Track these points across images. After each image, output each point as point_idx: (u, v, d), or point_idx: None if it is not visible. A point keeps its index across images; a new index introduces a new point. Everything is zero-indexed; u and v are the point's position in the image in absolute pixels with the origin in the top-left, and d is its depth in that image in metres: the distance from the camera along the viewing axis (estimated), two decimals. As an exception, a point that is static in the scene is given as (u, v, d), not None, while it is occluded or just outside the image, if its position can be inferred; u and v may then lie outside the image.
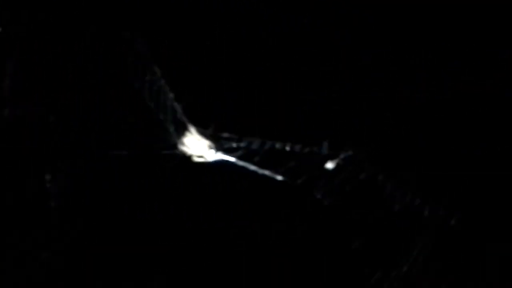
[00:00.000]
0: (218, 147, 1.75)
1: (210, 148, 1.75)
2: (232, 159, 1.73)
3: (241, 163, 1.73)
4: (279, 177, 1.71)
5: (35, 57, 1.82)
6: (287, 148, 1.73)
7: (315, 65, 1.78)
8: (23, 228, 1.76)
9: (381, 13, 1.70)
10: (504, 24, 1.64)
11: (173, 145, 1.76)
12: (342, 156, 1.71)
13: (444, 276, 1.68)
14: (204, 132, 1.76)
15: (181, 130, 1.77)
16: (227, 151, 1.74)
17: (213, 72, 1.79)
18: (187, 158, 1.76)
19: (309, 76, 1.77)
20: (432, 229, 1.68)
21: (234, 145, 1.74)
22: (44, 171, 1.79)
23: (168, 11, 1.80)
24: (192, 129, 1.77)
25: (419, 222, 1.69)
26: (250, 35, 1.77)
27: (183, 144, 1.76)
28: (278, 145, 1.73)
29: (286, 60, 1.79)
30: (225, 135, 1.75)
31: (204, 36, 1.79)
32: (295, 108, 1.78)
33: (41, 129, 1.80)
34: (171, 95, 1.77)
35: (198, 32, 1.80)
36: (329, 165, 1.71)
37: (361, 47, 1.75)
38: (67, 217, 1.77)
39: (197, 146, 1.76)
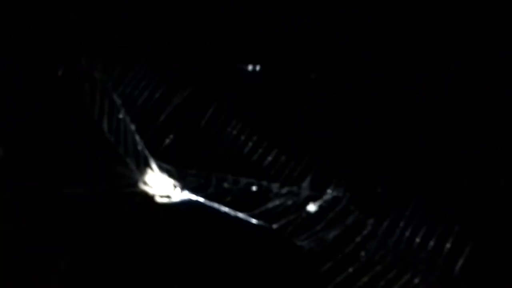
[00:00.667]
0: (185, 186, 1.57)
1: (175, 186, 1.57)
2: (200, 199, 1.57)
3: (211, 203, 1.56)
4: (254, 221, 1.55)
5: None
6: (264, 187, 1.55)
7: (300, 85, 1.63)
8: None
9: (381, 13, 1.60)
10: (504, 24, 1.57)
11: (134, 183, 1.58)
12: (325, 197, 1.55)
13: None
14: (168, 168, 1.58)
15: (143, 166, 1.58)
16: (195, 190, 1.57)
17: (180, 97, 1.61)
18: (149, 198, 1.57)
19: (291, 100, 1.61)
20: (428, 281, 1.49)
21: (203, 182, 1.56)
22: None
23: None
24: (154, 165, 1.58)
25: (416, 275, 1.50)
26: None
27: (145, 182, 1.57)
28: (253, 184, 1.56)
29: (265, 82, 1.64)
30: (192, 171, 1.57)
31: (171, 56, 1.62)
32: (273, 140, 1.59)
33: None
34: (132, 126, 1.59)
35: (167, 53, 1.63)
36: (311, 207, 1.54)
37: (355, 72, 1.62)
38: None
39: (160, 184, 1.57)
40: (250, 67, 1.61)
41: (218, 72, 1.63)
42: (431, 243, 1.52)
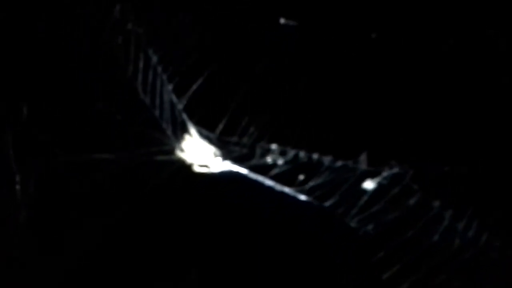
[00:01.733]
0: (226, 155, 1.43)
1: (216, 155, 1.43)
2: (243, 170, 1.43)
3: (254, 176, 1.42)
4: (303, 197, 1.41)
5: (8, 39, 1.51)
6: (315, 160, 1.40)
7: (353, 58, 1.48)
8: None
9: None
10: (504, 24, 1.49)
11: (170, 150, 1.45)
12: (385, 173, 1.40)
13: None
14: (209, 135, 1.44)
15: (180, 132, 1.44)
16: (237, 160, 1.43)
17: (225, 58, 1.47)
18: (186, 167, 1.44)
19: (344, 76, 1.48)
20: (500, 269, 1.33)
21: (246, 152, 1.43)
22: (18, 173, 1.49)
23: None
24: (194, 131, 1.43)
25: (484, 263, 1.34)
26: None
27: (182, 149, 1.43)
28: (302, 156, 1.42)
29: (314, 50, 1.49)
30: (235, 139, 1.43)
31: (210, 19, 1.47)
32: (325, 108, 1.47)
33: (15, 125, 1.52)
34: (169, 86, 1.44)
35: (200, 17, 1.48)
36: (368, 184, 1.40)
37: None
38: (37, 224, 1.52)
39: (199, 152, 1.44)
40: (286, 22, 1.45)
41: (258, 28, 1.49)
42: (504, 230, 1.37)
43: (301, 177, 1.39)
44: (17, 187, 1.52)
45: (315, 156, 1.40)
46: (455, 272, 1.39)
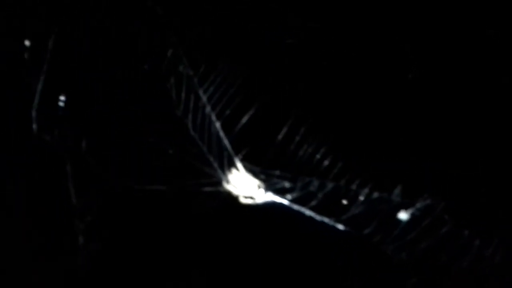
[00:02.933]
0: (269, 187, 1.47)
1: (260, 187, 1.48)
2: (285, 201, 1.47)
3: (295, 206, 1.46)
4: (341, 226, 1.44)
5: (69, 77, 1.58)
6: (352, 192, 1.44)
7: (386, 97, 1.51)
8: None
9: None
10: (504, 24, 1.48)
11: (218, 183, 1.49)
12: (418, 205, 1.43)
13: None
14: (253, 168, 1.48)
15: (227, 166, 1.49)
16: (279, 192, 1.47)
17: (268, 98, 1.51)
18: (233, 198, 1.48)
19: (383, 108, 1.49)
20: None
21: (288, 185, 1.47)
22: (73, 202, 1.55)
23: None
24: (240, 165, 1.48)
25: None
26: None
27: (228, 181, 1.48)
28: (341, 188, 1.45)
29: (351, 91, 1.53)
30: (278, 173, 1.48)
31: (258, 60, 1.52)
32: (363, 144, 1.50)
33: (72, 156, 1.57)
34: (217, 124, 1.50)
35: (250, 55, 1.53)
36: (403, 215, 1.43)
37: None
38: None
39: (244, 184, 1.48)
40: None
41: (298, 72, 1.53)
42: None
43: (344, 202, 1.43)
44: (76, 215, 1.59)
45: (353, 188, 1.44)
46: None
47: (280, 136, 1.47)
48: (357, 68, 1.50)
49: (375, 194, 1.42)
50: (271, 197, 1.46)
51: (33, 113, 1.59)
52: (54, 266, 1.59)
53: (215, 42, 1.53)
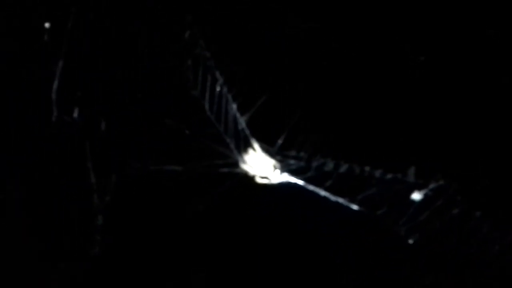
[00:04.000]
0: (285, 168, 1.48)
1: (275, 168, 1.48)
2: (300, 182, 1.48)
3: (310, 187, 1.47)
4: (355, 207, 1.45)
5: (87, 60, 1.58)
6: (366, 173, 1.45)
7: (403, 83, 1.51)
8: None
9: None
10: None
11: (234, 163, 1.50)
12: (431, 186, 1.43)
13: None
14: (269, 149, 1.49)
15: (244, 146, 1.50)
16: (294, 173, 1.48)
17: (284, 79, 1.52)
18: (249, 178, 1.49)
19: (397, 93, 1.50)
20: None
21: (304, 165, 1.47)
22: (92, 183, 1.55)
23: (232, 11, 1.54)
24: (256, 146, 1.49)
25: None
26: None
27: (245, 162, 1.49)
28: (355, 169, 1.46)
29: (370, 76, 1.53)
30: (293, 153, 1.48)
31: (275, 41, 1.52)
32: (377, 126, 1.50)
33: (92, 137, 1.57)
34: (234, 104, 1.50)
35: (268, 36, 1.53)
36: (416, 196, 1.43)
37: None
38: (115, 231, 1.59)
39: (260, 165, 1.49)
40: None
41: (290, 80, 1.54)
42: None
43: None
44: (95, 195, 1.61)
45: (367, 169, 1.44)
46: (493, 275, 1.43)
47: (296, 117, 1.48)
48: (357, 68, 1.52)
49: (389, 175, 1.43)
50: (286, 177, 1.47)
51: (53, 96, 1.60)
52: (54, 268, 1.61)
53: (215, 42, 1.55)
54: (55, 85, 1.59)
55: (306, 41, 1.51)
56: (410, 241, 1.39)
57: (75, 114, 1.59)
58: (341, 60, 1.51)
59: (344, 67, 1.51)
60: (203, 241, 1.55)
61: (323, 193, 1.45)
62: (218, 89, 1.50)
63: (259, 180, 1.48)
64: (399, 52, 1.50)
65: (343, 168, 1.45)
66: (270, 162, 1.48)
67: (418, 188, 1.43)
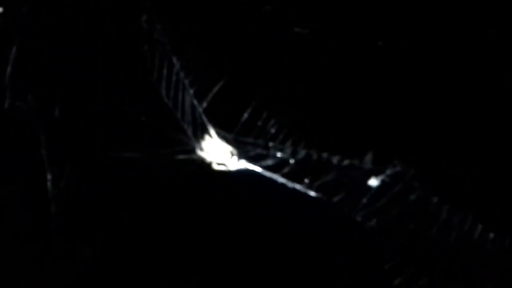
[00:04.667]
0: (242, 154, 1.47)
1: (233, 155, 1.48)
2: (257, 168, 1.47)
3: (268, 174, 1.46)
4: (313, 193, 1.44)
5: (41, 45, 1.56)
6: (324, 159, 1.44)
7: (361, 69, 1.52)
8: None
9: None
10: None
11: (191, 150, 1.49)
12: (388, 172, 1.43)
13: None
14: (226, 136, 1.48)
15: (201, 133, 1.48)
16: (252, 159, 1.47)
17: (241, 65, 1.52)
18: (206, 165, 1.48)
19: (352, 76, 1.51)
20: (497, 265, 1.38)
21: (261, 152, 1.47)
22: (47, 171, 1.53)
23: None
24: (213, 132, 1.48)
25: (480, 254, 1.38)
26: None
27: (202, 149, 1.48)
28: (313, 155, 1.45)
29: (325, 56, 1.53)
30: (251, 140, 1.48)
31: (236, 23, 1.52)
32: (334, 112, 1.50)
33: (46, 125, 1.54)
34: (191, 90, 1.49)
35: (229, 18, 1.52)
36: (373, 182, 1.44)
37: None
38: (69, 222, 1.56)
39: (218, 151, 1.48)
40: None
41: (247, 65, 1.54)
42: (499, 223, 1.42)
43: (306, 180, 1.44)
44: (48, 183, 1.58)
45: (324, 155, 1.44)
46: (452, 262, 1.44)
47: (253, 104, 1.47)
48: (357, 68, 1.52)
49: (346, 161, 1.43)
50: (244, 164, 1.47)
51: (6, 81, 1.57)
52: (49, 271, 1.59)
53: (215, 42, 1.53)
54: (8, 70, 1.56)
55: (262, 24, 1.51)
56: (368, 226, 1.39)
57: (29, 100, 1.56)
58: (298, 43, 1.51)
59: (300, 52, 1.51)
60: (161, 229, 1.54)
61: (280, 180, 1.44)
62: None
63: (216, 167, 1.47)
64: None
65: (301, 154, 1.45)
66: (227, 148, 1.47)
67: (375, 174, 1.43)
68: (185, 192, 1.50)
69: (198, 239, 1.52)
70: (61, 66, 1.55)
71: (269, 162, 1.46)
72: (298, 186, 1.44)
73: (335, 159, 1.43)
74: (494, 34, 1.48)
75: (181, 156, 1.48)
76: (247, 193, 1.48)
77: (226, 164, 1.47)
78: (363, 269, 1.44)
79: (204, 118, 1.48)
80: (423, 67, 1.51)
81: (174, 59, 1.48)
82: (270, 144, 1.46)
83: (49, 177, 1.54)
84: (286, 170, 1.45)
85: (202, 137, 1.48)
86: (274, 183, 1.45)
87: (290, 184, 1.44)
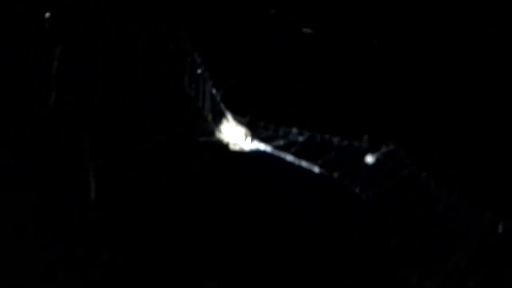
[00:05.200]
0: (255, 136, 1.62)
1: (247, 136, 1.62)
2: (268, 148, 1.62)
3: (277, 153, 1.61)
4: (316, 169, 1.58)
5: (80, 45, 1.71)
6: (326, 140, 1.59)
7: (359, 58, 1.65)
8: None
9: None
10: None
11: (211, 133, 1.64)
12: (383, 150, 1.57)
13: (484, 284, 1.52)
14: (241, 120, 1.63)
15: (219, 118, 1.64)
16: (263, 140, 1.62)
17: (254, 60, 1.66)
18: (223, 146, 1.64)
19: (351, 69, 1.64)
20: (477, 234, 1.51)
21: (271, 134, 1.61)
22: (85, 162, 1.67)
23: None
24: (230, 117, 1.64)
25: (463, 225, 1.52)
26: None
27: (220, 131, 1.64)
28: (316, 137, 1.60)
29: (327, 53, 1.66)
30: (262, 123, 1.63)
31: (246, 24, 1.67)
32: (336, 100, 1.64)
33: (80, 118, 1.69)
34: (210, 82, 1.65)
35: (240, 20, 1.68)
36: (369, 159, 1.57)
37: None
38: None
39: (234, 133, 1.63)
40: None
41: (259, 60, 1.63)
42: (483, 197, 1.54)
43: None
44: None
45: (326, 136, 1.58)
46: (437, 231, 1.54)
47: (265, 93, 1.62)
48: (357, 67, 1.61)
49: (346, 142, 1.57)
50: (256, 144, 1.61)
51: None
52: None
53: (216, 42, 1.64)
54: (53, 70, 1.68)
55: (275, 23, 1.64)
56: (364, 198, 1.54)
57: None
58: (301, 43, 1.64)
59: (308, 43, 1.63)
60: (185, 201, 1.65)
61: (288, 157, 1.59)
62: (198, 71, 1.65)
63: (232, 147, 1.62)
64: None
65: (306, 136, 1.59)
66: (242, 131, 1.62)
67: (371, 152, 1.56)
68: (207, 171, 1.65)
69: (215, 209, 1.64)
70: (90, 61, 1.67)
71: (279, 143, 1.60)
72: (304, 163, 1.59)
73: (336, 140, 1.57)
74: (494, 34, 1.50)
75: (202, 139, 1.63)
76: (260, 169, 1.62)
77: (241, 144, 1.62)
78: (363, 269, 1.51)
79: (222, 106, 1.64)
80: (423, 67, 1.57)
81: (196, 55, 1.65)
82: (279, 128, 1.60)
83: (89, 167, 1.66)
84: (293, 149, 1.58)
85: (220, 122, 1.63)
86: (283, 161, 1.60)
87: (296, 161, 1.59)
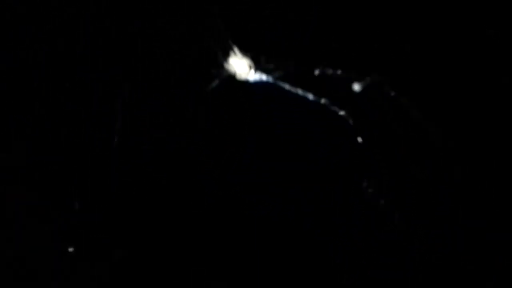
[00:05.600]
0: (258, 68, 1.78)
1: (251, 68, 1.78)
2: (271, 79, 1.76)
3: (277, 82, 1.75)
4: (310, 96, 1.72)
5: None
6: (320, 71, 1.74)
7: None
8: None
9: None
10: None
11: (220, 65, 1.81)
12: (369, 79, 1.68)
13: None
14: (247, 54, 1.79)
15: (227, 52, 1.81)
16: (265, 71, 1.76)
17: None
18: (231, 76, 1.80)
19: (342, 5, 1.70)
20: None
21: (272, 66, 1.77)
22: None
23: None
24: (236, 50, 1.80)
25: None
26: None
27: (228, 63, 1.81)
28: (312, 68, 1.75)
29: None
30: (264, 57, 1.77)
31: None
32: (327, 37, 1.75)
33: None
34: (221, 24, 1.79)
35: None
36: (356, 86, 1.70)
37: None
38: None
39: (240, 65, 1.80)
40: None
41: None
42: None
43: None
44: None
45: (320, 68, 1.72)
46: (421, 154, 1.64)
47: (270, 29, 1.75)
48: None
49: (338, 71, 1.71)
50: (259, 75, 1.77)
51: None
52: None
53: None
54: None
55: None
56: (350, 122, 1.70)
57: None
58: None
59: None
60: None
61: (287, 86, 1.75)
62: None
63: (238, 77, 1.78)
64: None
65: (303, 68, 1.74)
66: (246, 63, 1.79)
67: (359, 81, 1.67)
68: (217, 96, 1.76)
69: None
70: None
71: (279, 73, 1.75)
72: (300, 91, 1.74)
73: (329, 71, 1.73)
74: (494, 34, 1.47)
75: (213, 70, 1.79)
76: (264, 99, 1.76)
77: (247, 75, 1.78)
78: (363, 269, 1.50)
79: (230, 41, 1.79)
80: (422, 67, 1.57)
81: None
82: (279, 60, 1.75)
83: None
84: (292, 79, 1.74)
85: (228, 56, 1.80)
86: (282, 89, 1.75)
87: (293, 90, 1.75)
